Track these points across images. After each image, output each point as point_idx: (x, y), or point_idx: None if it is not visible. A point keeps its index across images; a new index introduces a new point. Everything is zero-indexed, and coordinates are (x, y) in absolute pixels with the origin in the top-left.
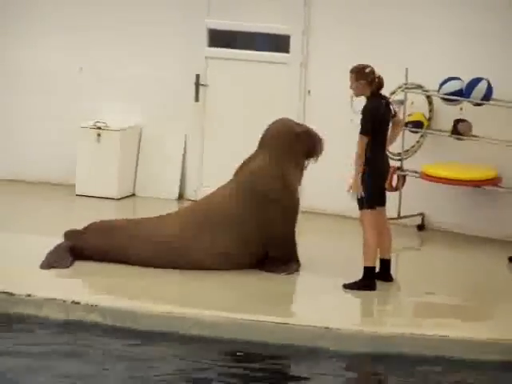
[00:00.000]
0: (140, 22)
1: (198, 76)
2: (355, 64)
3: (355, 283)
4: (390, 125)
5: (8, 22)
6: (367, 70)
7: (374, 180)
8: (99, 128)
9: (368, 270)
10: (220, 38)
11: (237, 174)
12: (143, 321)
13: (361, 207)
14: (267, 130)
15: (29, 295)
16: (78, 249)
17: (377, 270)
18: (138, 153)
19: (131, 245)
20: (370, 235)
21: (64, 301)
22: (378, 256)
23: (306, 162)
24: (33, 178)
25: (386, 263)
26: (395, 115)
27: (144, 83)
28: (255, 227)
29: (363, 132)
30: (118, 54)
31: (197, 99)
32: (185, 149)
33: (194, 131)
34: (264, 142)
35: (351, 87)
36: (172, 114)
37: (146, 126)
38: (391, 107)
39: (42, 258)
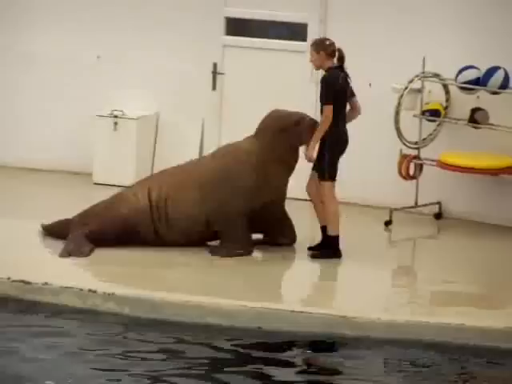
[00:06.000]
0: (157, 11)
1: (215, 64)
2: (368, 52)
3: (324, 253)
4: (348, 107)
5: (27, 6)
6: (327, 43)
7: (334, 152)
8: (116, 116)
9: (335, 239)
10: (237, 27)
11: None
12: (159, 310)
13: (322, 179)
14: (261, 121)
15: (45, 283)
16: (94, 233)
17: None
18: (155, 141)
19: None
20: (333, 205)
21: (81, 289)
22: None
23: (297, 153)
24: (48, 167)
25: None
26: (352, 95)
27: (161, 71)
28: (210, 199)
29: (327, 101)
30: (134, 42)
31: (214, 87)
32: (202, 137)
33: (211, 120)
34: (256, 130)
35: (311, 60)
36: (189, 103)
37: (163, 115)
38: (349, 81)
39: (60, 246)
